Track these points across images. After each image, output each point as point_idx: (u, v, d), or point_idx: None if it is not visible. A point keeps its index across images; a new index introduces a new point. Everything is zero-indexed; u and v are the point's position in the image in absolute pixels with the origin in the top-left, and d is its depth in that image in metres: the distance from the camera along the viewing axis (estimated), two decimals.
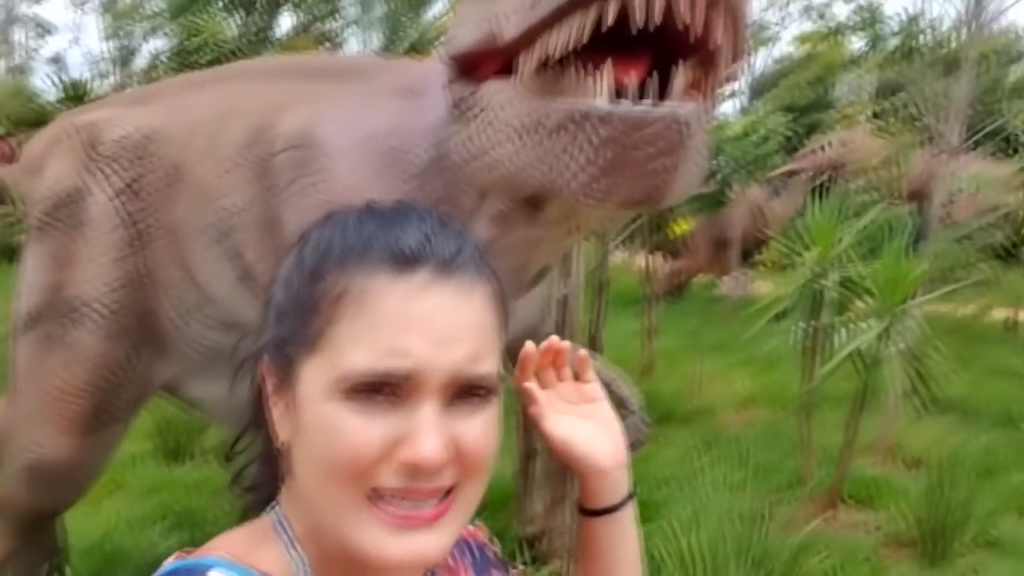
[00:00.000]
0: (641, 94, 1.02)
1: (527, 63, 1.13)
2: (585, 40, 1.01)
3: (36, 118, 9.64)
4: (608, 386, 2.15)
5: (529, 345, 0.86)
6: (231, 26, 7.31)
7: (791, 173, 9.59)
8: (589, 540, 0.89)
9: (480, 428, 0.68)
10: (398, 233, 0.68)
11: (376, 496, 0.65)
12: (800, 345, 4.63)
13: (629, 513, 0.90)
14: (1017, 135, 8.70)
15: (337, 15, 8.69)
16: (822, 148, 9.66)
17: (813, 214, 4.36)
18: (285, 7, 8.21)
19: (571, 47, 1.03)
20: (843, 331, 4.32)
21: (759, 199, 9.79)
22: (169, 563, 0.68)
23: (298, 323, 0.68)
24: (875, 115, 11.66)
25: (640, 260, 10.23)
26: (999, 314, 10.28)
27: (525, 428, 3.42)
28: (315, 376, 0.67)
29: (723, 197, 5.32)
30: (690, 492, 4.16)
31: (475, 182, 1.45)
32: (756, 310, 4.70)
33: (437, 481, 0.66)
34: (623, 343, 8.06)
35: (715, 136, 4.98)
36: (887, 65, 9.84)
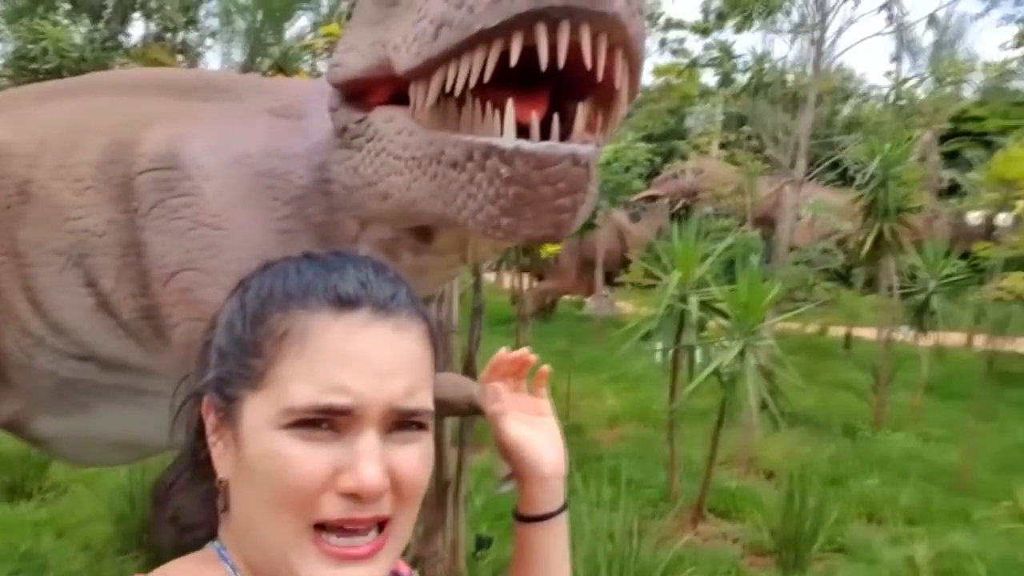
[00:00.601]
0: (544, 133, 1.02)
1: (425, 95, 1.11)
2: (489, 77, 1.00)
3: None
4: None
5: (503, 351, 0.97)
6: (77, 33, 6.85)
7: (651, 198, 10.00)
8: (524, 546, 0.95)
9: (415, 458, 0.72)
10: (336, 279, 0.73)
11: (318, 530, 0.69)
12: (665, 364, 4.81)
13: (563, 522, 0.96)
14: (849, 167, 9.45)
15: (195, 26, 8.33)
16: (677, 175, 10.14)
17: (675, 238, 4.55)
18: (136, 15, 7.79)
19: (473, 83, 1.02)
20: (704, 350, 4.52)
21: (621, 222, 10.16)
22: None
23: (241, 363, 0.72)
24: (723, 145, 12.37)
25: (508, 281, 10.35)
26: (838, 331, 11.09)
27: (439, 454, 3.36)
28: (259, 412, 0.70)
29: (592, 221, 5.46)
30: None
31: (362, 211, 1.41)
32: (625, 331, 4.84)
33: (376, 510, 0.69)
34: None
35: None
36: (736, 99, 10.47)
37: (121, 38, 7.69)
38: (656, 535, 3.37)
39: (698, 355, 4.68)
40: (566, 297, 11.32)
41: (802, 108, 5.46)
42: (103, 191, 1.81)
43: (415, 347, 0.75)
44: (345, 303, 0.72)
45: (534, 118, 1.03)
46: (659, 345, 4.66)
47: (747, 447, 5.48)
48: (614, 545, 3.06)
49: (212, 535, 0.77)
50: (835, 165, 7.29)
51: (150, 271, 1.71)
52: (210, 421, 0.75)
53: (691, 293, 4.36)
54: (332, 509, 0.68)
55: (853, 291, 11.15)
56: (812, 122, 5.83)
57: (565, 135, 1.05)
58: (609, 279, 11.55)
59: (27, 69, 6.40)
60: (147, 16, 8.17)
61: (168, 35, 8.16)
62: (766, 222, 9.81)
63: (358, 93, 1.30)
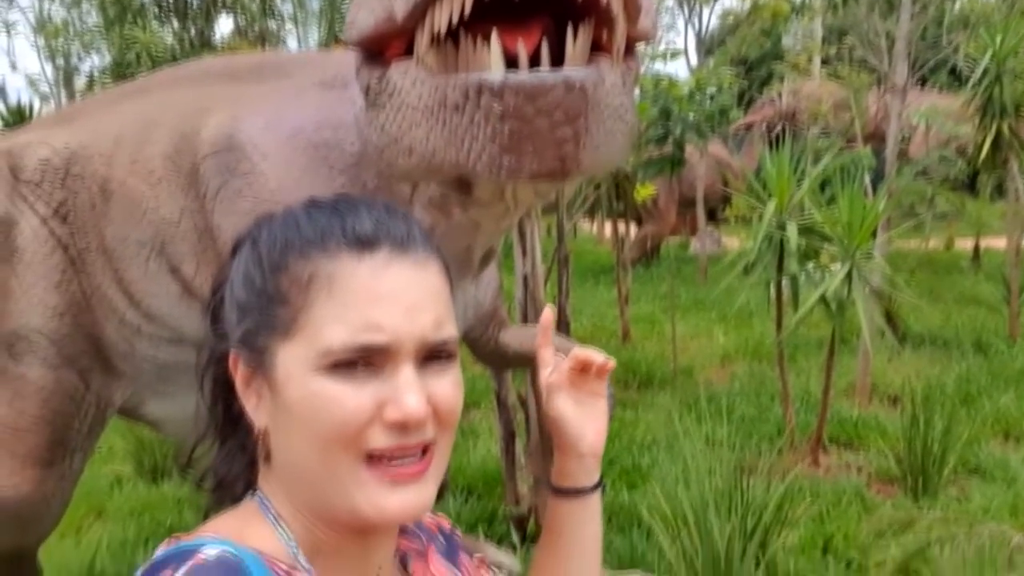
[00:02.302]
0: (537, 62, 0.98)
1: (421, 40, 1.09)
2: (468, 11, 0.97)
3: None
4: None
5: (548, 309, 0.97)
6: (167, 35, 7.14)
7: (748, 126, 9.61)
8: (555, 519, 0.96)
9: (450, 385, 0.75)
10: (352, 220, 0.74)
11: (369, 459, 0.71)
12: (770, 297, 4.65)
13: (596, 502, 0.96)
14: (962, 68, 8.77)
15: (273, 14, 8.53)
16: (775, 99, 9.67)
17: (769, 166, 4.35)
18: (220, 11, 8.05)
19: (456, 20, 0.99)
20: (810, 278, 4.34)
21: (720, 155, 9.82)
22: (162, 549, 0.71)
23: (267, 314, 0.73)
24: (825, 61, 11.69)
25: (608, 229, 10.22)
26: (966, 244, 10.42)
27: (504, 411, 3.40)
28: (293, 358, 0.72)
29: (680, 158, 5.29)
30: (675, 453, 4.19)
31: (395, 170, 1.41)
32: (723, 266, 4.70)
33: (421, 435, 0.72)
34: (599, 313, 8.09)
35: (664, 98, 4.95)
36: (835, 11, 9.84)
37: (208, 35, 7.98)
38: (771, 470, 3.30)
39: (805, 284, 4.51)
40: (670, 240, 11.09)
41: (902, 8, 5.07)
42: (174, 181, 1.89)
43: (436, 281, 0.77)
44: (365, 244, 0.73)
45: (521, 48, 0.98)
46: (763, 278, 4.50)
47: (867, 374, 5.25)
48: (724, 482, 3.00)
49: (248, 488, 0.79)
50: (949, 69, 6.76)
51: (223, 253, 1.78)
52: (240, 375, 0.76)
53: (789, 220, 4.17)
54: (381, 439, 0.71)
55: (980, 200, 10.43)
56: (913, 23, 5.41)
57: (561, 63, 1.00)
58: (713, 216, 11.23)
59: (125, 75, 6.73)
60: (229, 11, 8.42)
61: (250, 27, 8.40)
62: (877, 137, 9.26)
63: (375, 50, 1.29)
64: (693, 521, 2.86)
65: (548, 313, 0.97)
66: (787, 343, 4.92)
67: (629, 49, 1.18)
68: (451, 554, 0.91)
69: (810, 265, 4.39)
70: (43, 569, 2.72)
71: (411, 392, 0.71)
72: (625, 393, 5.61)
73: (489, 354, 2.24)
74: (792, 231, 4.06)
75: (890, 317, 5.20)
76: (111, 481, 4.32)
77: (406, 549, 0.86)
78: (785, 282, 4.34)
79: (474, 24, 1.02)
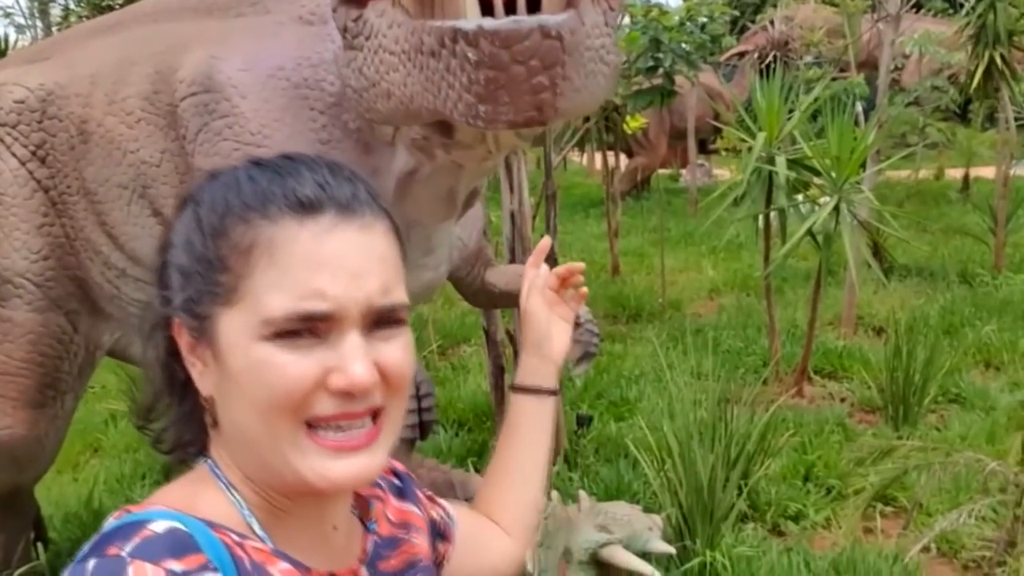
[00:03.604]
0: (513, 9, 0.96)
1: None
2: None
3: None
4: None
5: (546, 238, 1.08)
6: None
7: (739, 55, 9.45)
8: (513, 413, 1.05)
9: (399, 350, 0.74)
10: (294, 183, 0.72)
11: (313, 426, 0.71)
12: (758, 230, 4.65)
13: (551, 404, 1.06)
14: None
15: None
16: (767, 26, 9.49)
17: (759, 97, 4.31)
18: None
19: None
20: (799, 211, 4.34)
21: (711, 85, 9.68)
22: (111, 521, 0.70)
23: (208, 281, 0.71)
24: None
25: (598, 161, 10.15)
26: (957, 174, 10.40)
27: (493, 346, 3.43)
28: (236, 327, 0.70)
29: (670, 89, 5.22)
30: (662, 386, 4.25)
31: (374, 114, 1.39)
32: (712, 199, 4.69)
33: (368, 401, 0.72)
34: (589, 247, 8.09)
35: (654, 27, 4.87)
36: None
37: None
38: (755, 401, 3.36)
39: (793, 217, 4.51)
40: (660, 172, 11.02)
41: None
42: (153, 121, 1.86)
43: (383, 243, 0.75)
44: (308, 208, 0.71)
45: None
46: (747, 211, 4.49)
47: (853, 306, 5.30)
48: (708, 413, 3.06)
49: (201, 452, 0.78)
50: None
51: None
52: (184, 342, 0.74)
53: (778, 152, 4.15)
54: (324, 407, 0.70)
55: (971, 129, 10.35)
56: None
57: (536, 8, 0.98)
58: (704, 147, 11.15)
59: (101, 6, 6.54)
60: None
61: None
62: (870, 65, 9.14)
63: None
64: (677, 452, 2.92)
65: (546, 240, 1.06)
66: (775, 276, 4.95)
67: None
68: (406, 493, 0.93)
69: (799, 198, 4.39)
70: (40, 505, 2.78)
71: (357, 360, 0.70)
72: (614, 327, 5.66)
73: (475, 294, 2.26)
74: (781, 164, 4.04)
75: (877, 249, 5.22)
76: (105, 418, 4.37)
77: (369, 496, 0.87)
78: (774, 215, 4.34)
79: None
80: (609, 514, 2.49)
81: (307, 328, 0.69)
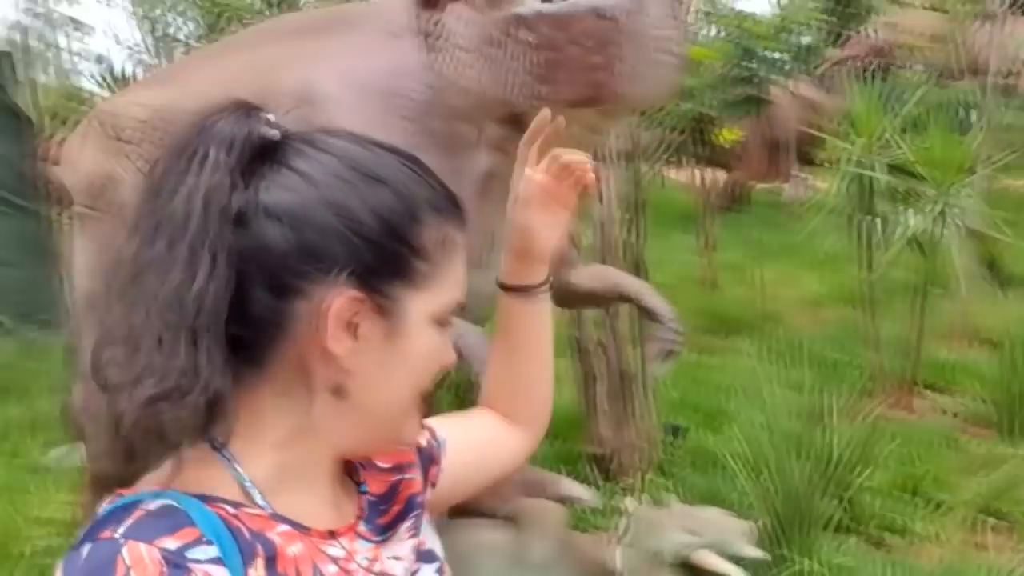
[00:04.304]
0: None
1: None
2: None
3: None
4: (637, 300, 2.17)
5: (545, 112, 0.95)
6: None
7: (838, 63, 9.19)
8: (503, 316, 1.00)
9: None
10: (447, 190, 0.80)
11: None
12: (857, 239, 4.52)
13: (543, 299, 0.98)
14: None
15: None
16: (868, 34, 9.20)
17: (856, 103, 4.21)
18: None
19: None
20: (899, 219, 4.20)
21: (810, 95, 9.45)
22: (105, 506, 0.70)
23: (404, 264, 0.74)
24: None
25: (694, 176, 10.04)
26: None
27: (583, 355, 3.47)
28: (419, 310, 0.76)
29: (763, 98, 5.15)
30: (761, 398, 4.17)
31: (455, 112, 1.47)
32: (808, 209, 4.59)
33: None
34: (684, 261, 8.00)
35: (745, 37, 4.83)
36: None
37: None
38: (856, 412, 3.26)
39: (896, 225, 4.37)
40: (760, 185, 10.79)
41: None
42: None
43: None
44: (461, 210, 0.81)
45: None
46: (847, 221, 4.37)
47: (964, 318, 5.06)
48: (805, 424, 3.00)
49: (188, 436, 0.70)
50: None
51: None
52: (344, 315, 0.71)
53: (877, 158, 4.04)
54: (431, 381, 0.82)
55: None
56: None
57: None
58: (805, 159, 10.85)
59: (217, 39, 6.98)
60: None
61: None
62: (983, 72, 8.73)
63: None
64: (774, 462, 2.88)
65: (546, 112, 0.95)
66: (880, 288, 4.79)
67: None
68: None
69: (900, 207, 4.25)
70: None
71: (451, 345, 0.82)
72: (710, 339, 5.58)
73: (558, 294, 2.30)
74: (880, 169, 3.93)
75: (989, 259, 4.97)
76: None
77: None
78: (874, 223, 4.21)
79: None
80: (699, 518, 2.47)
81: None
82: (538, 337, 1.00)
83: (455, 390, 4.44)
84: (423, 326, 0.77)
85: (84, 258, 2.23)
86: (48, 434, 4.67)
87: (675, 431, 3.75)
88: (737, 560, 2.37)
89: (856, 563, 2.71)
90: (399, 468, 0.89)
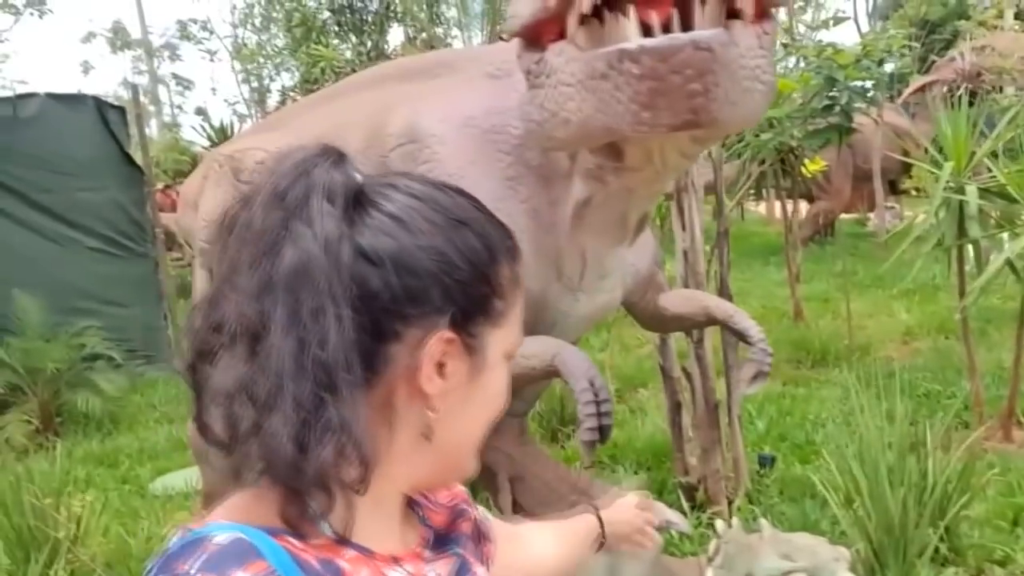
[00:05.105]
0: (669, 30, 1.13)
1: (571, 21, 1.27)
2: None
3: (191, 168, 10.53)
4: (727, 322, 2.23)
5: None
6: (346, 50, 7.74)
7: (923, 88, 9.02)
8: (578, 526, 1.26)
9: None
10: (503, 225, 0.82)
11: None
12: (950, 267, 4.43)
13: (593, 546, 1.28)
14: None
15: (439, 20, 9.01)
16: (956, 58, 9.01)
17: (944, 127, 4.16)
18: (392, 23, 8.60)
19: (600, 0, 1.16)
20: (996, 244, 4.11)
21: (896, 122, 9.29)
22: (175, 539, 0.69)
23: (486, 302, 0.77)
24: (1017, 16, 10.73)
25: (778, 210, 9.94)
26: None
27: (669, 383, 3.50)
28: (495, 346, 0.79)
29: (848, 127, 5.12)
30: (851, 429, 4.10)
31: (554, 142, 1.58)
32: (897, 237, 4.53)
33: None
34: (769, 294, 7.92)
35: (828, 66, 4.83)
36: None
37: (381, 46, 8.57)
38: (954, 442, 3.19)
39: (991, 251, 4.27)
40: (846, 216, 10.61)
41: None
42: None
43: None
44: (517, 247, 0.82)
45: (654, 17, 1.14)
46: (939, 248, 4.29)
47: None
48: (898, 455, 2.95)
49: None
50: None
51: None
52: (437, 355, 0.74)
53: (968, 182, 3.98)
54: None
55: None
56: None
57: (689, 28, 1.14)
58: (894, 188, 10.62)
59: (312, 90, 7.37)
60: (400, 22, 8.99)
61: (419, 35, 8.95)
62: None
63: (534, 37, 1.47)
64: (866, 489, 2.84)
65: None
66: (978, 316, 4.66)
67: (765, 14, 1.30)
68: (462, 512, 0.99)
69: (996, 232, 4.16)
70: None
71: None
72: (797, 371, 5.52)
73: (647, 318, 2.38)
74: (972, 193, 3.87)
75: None
76: None
77: (417, 499, 0.92)
78: (968, 250, 4.13)
79: (615, 3, 1.18)
80: (793, 543, 2.47)
81: None
82: (574, 544, 1.21)
83: (548, 421, 4.53)
84: (499, 362, 0.80)
85: (204, 288, 2.42)
86: (156, 462, 4.96)
87: (765, 461, 3.73)
88: None
89: None
90: (455, 508, 0.94)
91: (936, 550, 2.83)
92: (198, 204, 2.55)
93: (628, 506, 1.29)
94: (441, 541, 0.87)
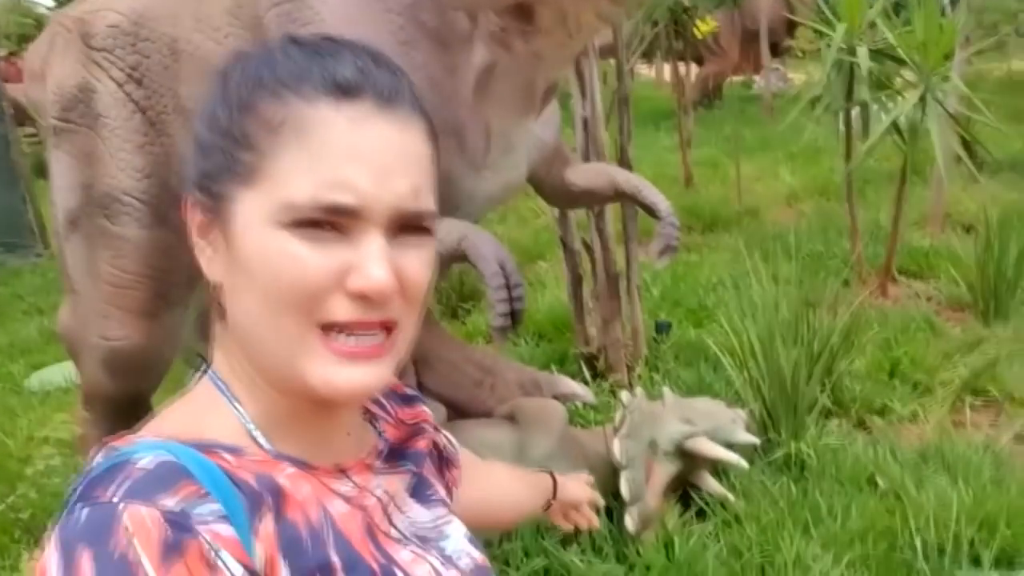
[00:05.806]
0: None
1: None
2: None
3: (37, 33, 9.50)
4: (635, 195, 2.16)
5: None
6: None
7: None
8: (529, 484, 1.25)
9: (420, 262, 0.70)
10: (333, 63, 0.67)
11: (325, 331, 0.66)
12: (839, 130, 4.51)
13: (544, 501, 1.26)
14: None
15: None
16: None
17: None
18: None
19: None
20: (880, 106, 4.18)
21: None
22: (98, 460, 0.65)
23: (228, 158, 0.67)
24: None
25: (667, 72, 9.89)
26: None
27: (570, 256, 3.47)
28: (254, 209, 0.65)
29: None
30: (741, 292, 4.23)
31: (455, 1, 1.41)
32: (788, 100, 4.55)
33: (384, 312, 0.67)
34: (661, 159, 7.97)
35: None
36: None
37: None
38: (838, 301, 3.33)
39: (877, 113, 4.35)
40: (733, 78, 10.68)
41: None
42: (240, 35, 1.92)
43: (420, 145, 0.69)
44: (345, 91, 0.65)
45: None
46: (826, 111, 4.34)
47: (941, 203, 5.13)
48: (790, 314, 3.05)
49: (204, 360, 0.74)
50: None
51: None
52: (196, 222, 0.70)
53: (860, 43, 3.98)
54: (341, 310, 0.66)
55: None
56: None
57: None
58: (777, 50, 10.72)
59: None
60: None
61: None
62: None
63: None
64: (760, 351, 2.94)
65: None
66: (857, 177, 4.81)
67: None
68: (415, 400, 0.92)
69: (882, 95, 4.23)
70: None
71: (379, 262, 0.65)
72: (689, 237, 5.62)
73: (554, 193, 2.28)
74: (863, 55, 3.88)
75: (967, 142, 5.01)
76: None
77: (375, 413, 0.85)
78: (855, 113, 4.19)
79: None
80: (693, 408, 2.54)
81: (329, 221, 0.64)
82: (526, 496, 1.21)
83: (448, 298, 4.46)
84: (264, 228, 0.65)
85: (63, 177, 2.15)
86: (30, 357, 4.65)
87: (661, 327, 3.81)
88: (731, 445, 2.45)
89: (842, 444, 2.81)
90: (416, 426, 0.87)
91: (824, 406, 2.98)
92: (45, 74, 2.24)
93: (581, 482, 1.31)
94: (395, 454, 0.82)
